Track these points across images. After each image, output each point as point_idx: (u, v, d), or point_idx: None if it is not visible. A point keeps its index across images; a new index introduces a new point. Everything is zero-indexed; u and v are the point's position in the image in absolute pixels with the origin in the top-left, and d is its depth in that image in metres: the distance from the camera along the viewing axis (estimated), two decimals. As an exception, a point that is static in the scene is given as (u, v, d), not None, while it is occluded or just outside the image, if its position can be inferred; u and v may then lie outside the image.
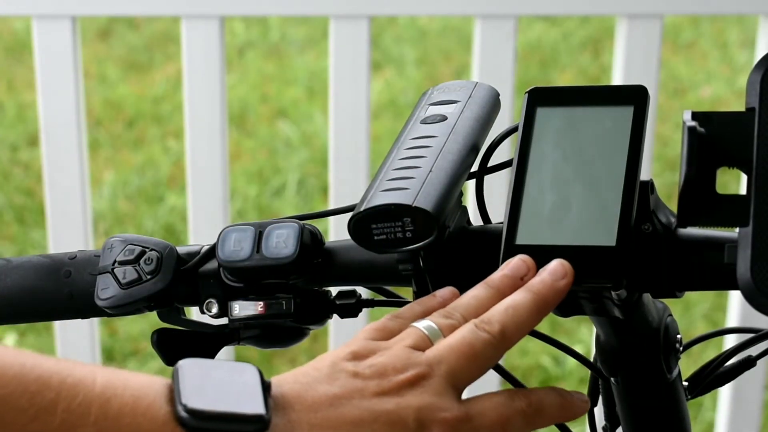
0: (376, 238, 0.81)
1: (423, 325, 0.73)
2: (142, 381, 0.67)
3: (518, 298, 0.73)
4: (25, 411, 0.63)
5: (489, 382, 2.04)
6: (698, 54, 4.33)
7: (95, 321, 2.10)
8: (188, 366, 0.67)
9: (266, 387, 0.67)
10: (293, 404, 0.67)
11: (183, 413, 0.64)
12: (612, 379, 0.93)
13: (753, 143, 0.77)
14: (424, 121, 0.90)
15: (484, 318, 0.72)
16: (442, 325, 0.73)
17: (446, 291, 0.77)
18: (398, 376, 0.69)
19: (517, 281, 0.75)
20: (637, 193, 0.79)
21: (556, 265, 0.74)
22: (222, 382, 0.67)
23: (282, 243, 0.88)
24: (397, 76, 4.16)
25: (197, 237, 1.99)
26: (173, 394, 0.66)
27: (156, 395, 0.66)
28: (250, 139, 3.87)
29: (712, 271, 0.80)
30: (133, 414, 0.65)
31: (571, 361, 2.86)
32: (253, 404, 0.65)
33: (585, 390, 0.97)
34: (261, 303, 0.90)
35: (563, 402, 0.74)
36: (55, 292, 0.95)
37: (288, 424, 0.66)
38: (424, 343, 0.71)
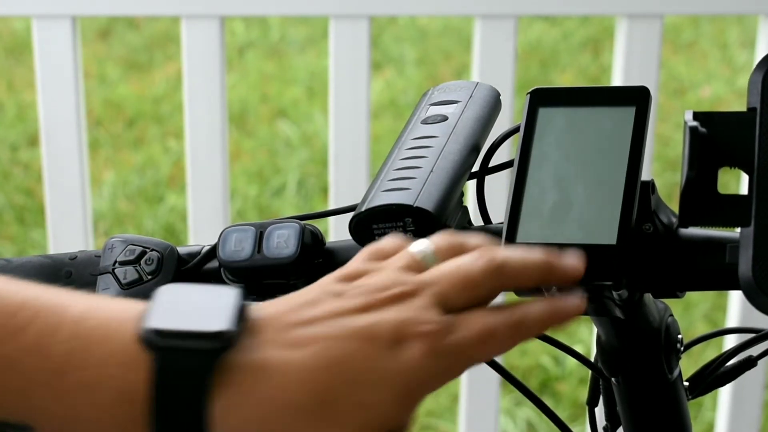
0: (377, 238, 0.81)
1: (419, 247, 0.69)
2: (120, 305, 0.66)
3: (530, 250, 0.70)
4: None
5: (489, 383, 2.04)
6: (698, 54, 4.32)
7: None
8: (167, 289, 0.66)
9: (242, 308, 0.65)
10: (268, 326, 0.65)
11: (146, 332, 0.63)
12: (613, 379, 0.93)
13: (754, 143, 0.77)
14: (425, 122, 0.90)
15: (489, 249, 0.69)
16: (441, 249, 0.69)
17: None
18: (381, 294, 0.66)
19: None
20: (638, 193, 0.79)
21: (571, 256, 0.70)
22: (196, 303, 0.65)
23: (283, 243, 0.88)
24: (397, 76, 4.16)
25: (197, 237, 1.99)
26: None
27: (128, 317, 0.64)
28: (250, 139, 3.87)
29: (713, 271, 0.80)
30: (103, 333, 0.64)
31: (572, 361, 2.86)
32: (219, 322, 0.63)
33: (585, 391, 0.97)
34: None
35: (551, 308, 0.68)
36: (55, 293, 0.94)
37: (258, 343, 0.64)
38: (418, 267, 0.68)
